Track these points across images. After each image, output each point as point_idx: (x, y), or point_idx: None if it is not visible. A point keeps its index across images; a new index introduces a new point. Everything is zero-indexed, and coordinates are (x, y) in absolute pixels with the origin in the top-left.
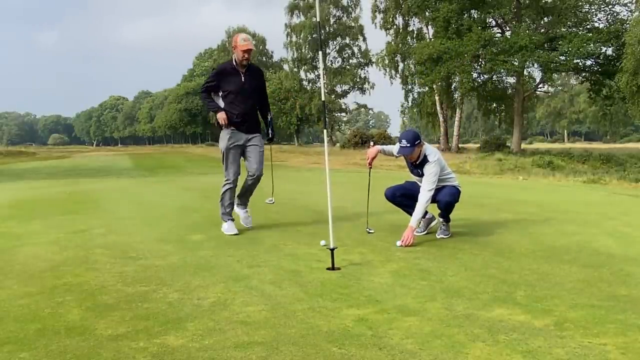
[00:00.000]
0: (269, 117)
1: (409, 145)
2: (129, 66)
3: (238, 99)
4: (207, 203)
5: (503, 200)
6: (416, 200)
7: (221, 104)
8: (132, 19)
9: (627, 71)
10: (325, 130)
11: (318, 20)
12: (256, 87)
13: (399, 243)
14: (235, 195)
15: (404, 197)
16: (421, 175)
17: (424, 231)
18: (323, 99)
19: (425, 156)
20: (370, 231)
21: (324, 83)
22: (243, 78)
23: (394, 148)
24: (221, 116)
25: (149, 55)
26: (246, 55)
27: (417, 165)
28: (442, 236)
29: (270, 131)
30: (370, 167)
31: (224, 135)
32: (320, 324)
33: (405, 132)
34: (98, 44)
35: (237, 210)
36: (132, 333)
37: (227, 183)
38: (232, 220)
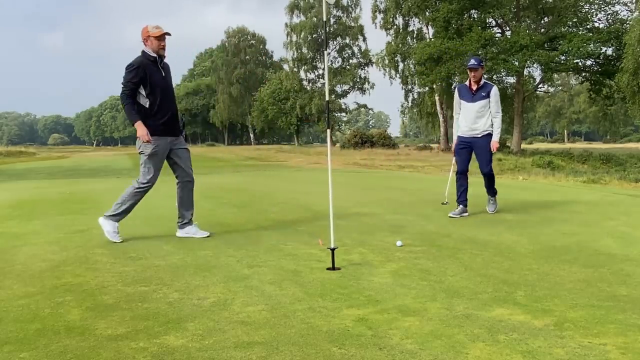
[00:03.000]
0: (182, 118)
1: (476, 62)
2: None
3: (163, 98)
4: (206, 203)
5: (503, 200)
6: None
7: (145, 103)
8: (137, 22)
9: (627, 71)
10: (328, 130)
11: (325, 19)
12: (171, 83)
13: (399, 243)
14: (179, 214)
15: (466, 176)
16: (479, 99)
17: (459, 215)
18: (327, 98)
19: (485, 83)
20: (446, 203)
21: (327, 83)
22: (163, 73)
23: (456, 109)
24: (142, 132)
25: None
26: (163, 43)
27: (478, 90)
28: (492, 210)
29: (184, 133)
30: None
31: (149, 143)
32: (320, 324)
33: (471, 56)
34: (103, 45)
35: (189, 230)
36: (132, 333)
37: (147, 185)
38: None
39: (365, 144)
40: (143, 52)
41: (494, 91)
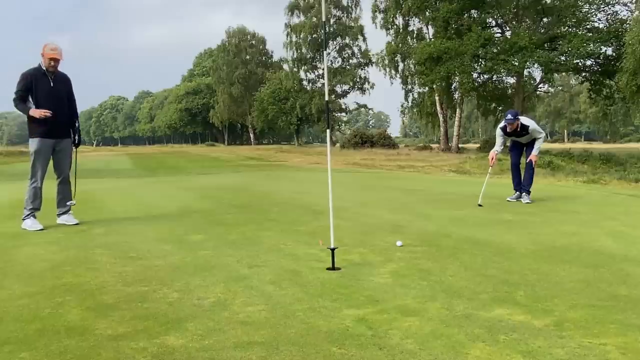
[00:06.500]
0: (76, 124)
1: (512, 118)
2: (135, 69)
3: (49, 105)
4: (207, 203)
5: (503, 200)
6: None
7: (32, 107)
8: (142, 24)
9: (627, 71)
10: (327, 131)
11: (324, 20)
12: (65, 93)
13: (399, 243)
14: (58, 206)
15: (519, 168)
16: (523, 135)
17: (515, 199)
18: (327, 99)
19: (522, 125)
20: (480, 205)
21: (326, 83)
22: (52, 83)
23: (499, 140)
24: (36, 112)
25: (157, 59)
26: (52, 63)
27: (518, 133)
28: (527, 201)
29: (77, 137)
30: (492, 166)
31: (33, 144)
32: (320, 324)
33: (508, 111)
34: (107, 47)
35: (63, 218)
36: (132, 333)
37: (35, 182)
38: (35, 216)
39: (365, 144)
40: (39, 64)
41: (531, 127)
